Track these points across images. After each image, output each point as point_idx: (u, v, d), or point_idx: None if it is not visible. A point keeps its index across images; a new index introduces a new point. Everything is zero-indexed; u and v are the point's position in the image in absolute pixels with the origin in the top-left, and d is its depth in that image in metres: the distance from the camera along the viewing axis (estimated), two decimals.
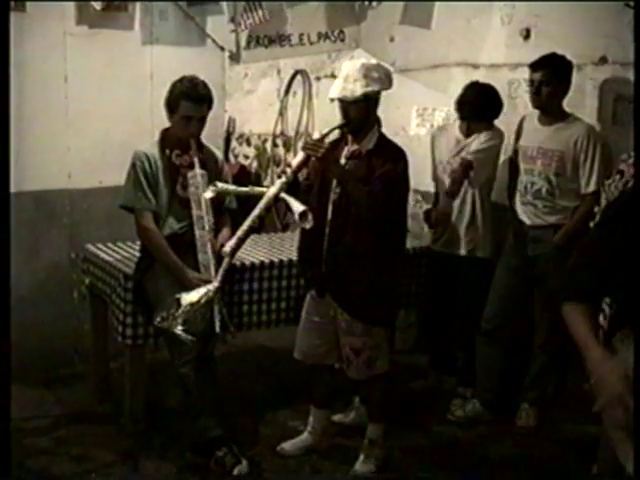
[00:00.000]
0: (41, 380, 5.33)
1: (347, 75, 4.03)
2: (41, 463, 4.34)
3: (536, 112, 4.71)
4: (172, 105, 4.30)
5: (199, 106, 4.28)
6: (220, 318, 4.10)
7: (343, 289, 4.13)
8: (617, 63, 4.55)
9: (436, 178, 5.18)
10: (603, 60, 4.62)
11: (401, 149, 4.17)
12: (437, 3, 5.50)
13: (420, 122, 5.69)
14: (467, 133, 4.97)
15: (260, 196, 4.06)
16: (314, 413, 4.55)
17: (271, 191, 4.00)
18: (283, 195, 3.99)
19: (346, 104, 4.05)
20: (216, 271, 4.15)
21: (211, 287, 3.99)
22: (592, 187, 4.47)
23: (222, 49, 6.43)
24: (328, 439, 4.60)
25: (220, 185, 4.20)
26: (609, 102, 4.63)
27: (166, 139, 4.40)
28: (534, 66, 4.59)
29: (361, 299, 4.11)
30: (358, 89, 3.99)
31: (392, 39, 5.88)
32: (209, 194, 4.14)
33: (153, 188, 4.31)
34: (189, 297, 3.92)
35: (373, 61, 4.17)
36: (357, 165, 4.10)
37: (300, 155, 4.07)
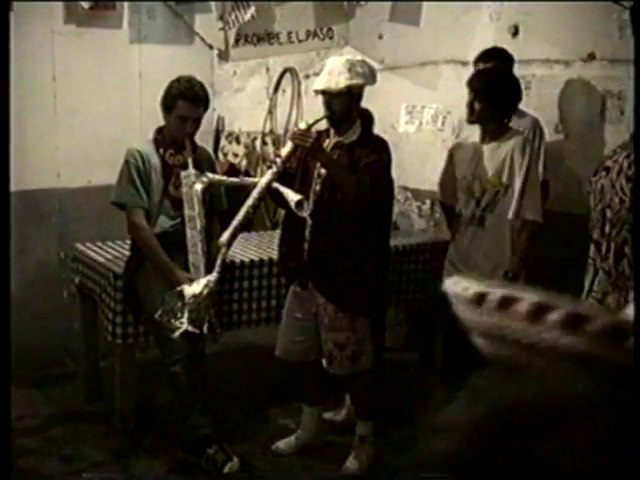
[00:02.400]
0: (31, 379, 5.31)
1: (332, 69, 4.07)
2: (31, 463, 4.33)
3: None
4: (168, 104, 4.27)
5: (195, 107, 4.26)
6: (207, 318, 4.11)
7: (327, 279, 4.13)
8: (605, 60, 4.56)
9: (453, 194, 4.51)
10: (591, 57, 4.63)
11: (384, 141, 4.22)
12: (425, 0, 5.50)
13: (409, 119, 5.70)
14: (483, 138, 4.31)
15: (251, 187, 4.08)
16: (306, 411, 4.55)
17: (263, 181, 4.03)
18: (277, 185, 4.01)
19: (329, 96, 4.09)
20: (208, 271, 4.16)
21: (211, 278, 4.00)
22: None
23: (211, 47, 6.43)
24: (321, 436, 4.61)
25: (211, 176, 4.20)
26: (597, 99, 4.63)
27: (160, 138, 4.39)
28: (484, 57, 4.69)
29: (345, 288, 4.11)
30: (342, 81, 4.01)
31: (381, 36, 5.88)
32: (199, 185, 4.15)
33: (145, 186, 4.30)
34: (191, 290, 3.94)
35: (358, 57, 4.21)
36: (340, 157, 4.12)
37: (288, 145, 4.09)
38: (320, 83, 4.11)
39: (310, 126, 4.09)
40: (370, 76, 4.12)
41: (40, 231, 5.66)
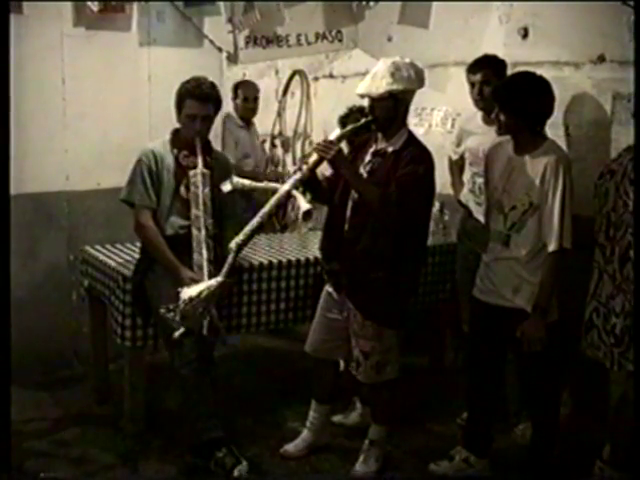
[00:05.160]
0: (40, 382, 5.32)
1: (376, 72, 4.00)
2: (40, 465, 4.32)
3: (479, 113, 4.79)
4: (178, 104, 4.33)
5: (203, 104, 4.28)
6: (208, 320, 4.11)
7: (357, 288, 4.11)
8: (615, 62, 4.54)
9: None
10: (601, 59, 4.61)
11: (427, 151, 4.06)
12: (435, 2, 5.49)
13: (418, 122, 5.68)
14: (516, 149, 4.03)
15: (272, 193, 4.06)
16: (315, 408, 4.53)
17: (283, 188, 3.97)
18: (293, 191, 3.97)
19: (372, 101, 4.02)
20: (211, 273, 4.15)
21: (214, 282, 3.98)
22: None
23: (220, 50, 6.44)
24: (328, 435, 4.59)
25: (236, 180, 4.16)
26: (607, 101, 4.62)
27: (175, 139, 4.41)
28: (472, 69, 4.69)
29: (374, 300, 4.08)
30: (382, 86, 3.95)
31: (390, 39, 5.87)
32: (227, 187, 4.11)
33: (155, 187, 4.32)
34: (188, 291, 3.91)
35: (407, 60, 4.09)
36: (380, 164, 4.06)
37: (315, 154, 4.02)
38: (362, 87, 4.04)
39: (341, 137, 4.04)
40: (415, 80, 4.03)
41: (49, 234, 5.67)
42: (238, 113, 6.40)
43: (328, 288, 4.32)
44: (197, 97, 4.27)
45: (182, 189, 4.34)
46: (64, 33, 5.55)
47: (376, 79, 3.98)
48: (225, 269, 4.02)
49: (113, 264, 4.71)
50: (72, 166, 5.70)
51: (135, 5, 5.82)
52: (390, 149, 4.06)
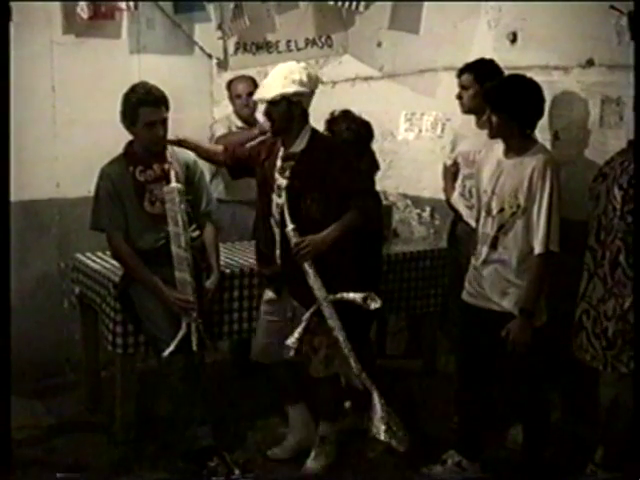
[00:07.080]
0: (32, 390, 5.30)
1: (270, 77, 4.08)
2: (32, 473, 4.31)
3: (472, 118, 4.80)
4: (131, 116, 4.23)
5: (158, 108, 4.21)
6: (197, 336, 4.17)
7: (300, 285, 4.08)
8: (604, 65, 4.55)
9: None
10: (590, 63, 4.63)
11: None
12: (424, 7, 5.50)
13: (408, 127, 5.69)
14: (505, 152, 4.05)
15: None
16: (290, 410, 4.55)
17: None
18: (342, 295, 4.00)
19: (268, 105, 4.08)
20: (194, 287, 4.21)
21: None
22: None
23: (210, 56, 6.43)
24: (313, 434, 4.53)
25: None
26: (596, 105, 4.63)
27: (130, 154, 4.35)
28: (458, 72, 4.75)
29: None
30: (273, 90, 4.01)
31: (380, 44, 5.88)
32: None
33: (119, 207, 4.28)
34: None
35: (301, 64, 4.17)
36: (295, 167, 4.09)
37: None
38: (257, 92, 4.17)
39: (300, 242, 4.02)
40: (307, 83, 4.05)
41: (40, 241, 5.66)
42: (237, 113, 5.90)
43: (268, 293, 4.32)
44: (151, 103, 4.18)
45: (147, 204, 4.29)
46: (54, 40, 5.54)
47: (269, 84, 4.06)
48: None
49: (104, 271, 4.71)
50: (62, 173, 5.68)
51: (125, 12, 5.81)
52: (297, 149, 4.11)
